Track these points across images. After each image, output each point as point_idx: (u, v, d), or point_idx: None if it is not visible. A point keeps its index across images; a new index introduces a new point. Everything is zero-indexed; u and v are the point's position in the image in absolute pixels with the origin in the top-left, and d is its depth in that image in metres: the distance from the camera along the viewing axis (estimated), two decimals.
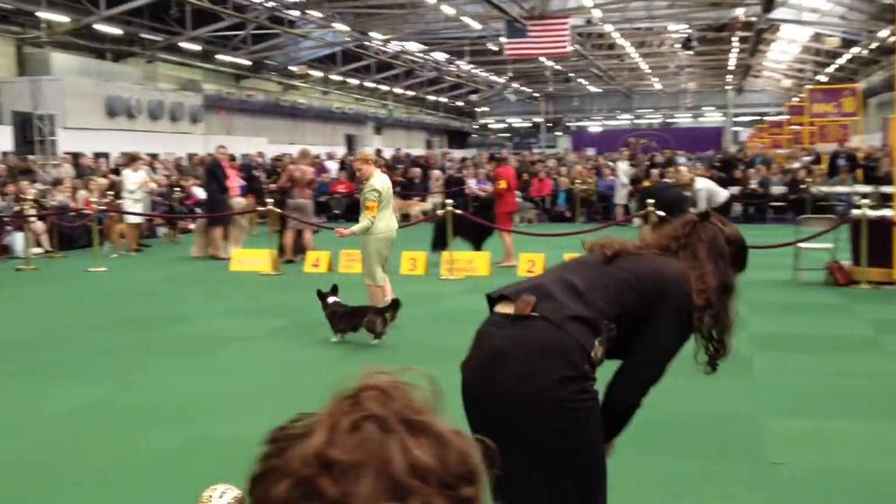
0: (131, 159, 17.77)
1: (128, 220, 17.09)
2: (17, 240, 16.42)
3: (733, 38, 40.78)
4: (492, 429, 2.19)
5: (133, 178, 17.23)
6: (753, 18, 33.62)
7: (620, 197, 22.07)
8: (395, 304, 8.74)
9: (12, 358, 8.19)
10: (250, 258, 14.48)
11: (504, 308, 2.75)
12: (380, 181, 9.44)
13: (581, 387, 2.58)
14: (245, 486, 0.89)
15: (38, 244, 16.86)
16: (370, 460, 0.82)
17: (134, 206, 17.11)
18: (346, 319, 8.70)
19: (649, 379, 2.79)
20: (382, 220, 9.29)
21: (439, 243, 14.50)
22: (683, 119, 64.73)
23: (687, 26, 37.09)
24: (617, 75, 54.68)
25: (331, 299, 8.83)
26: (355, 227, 9.40)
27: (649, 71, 52.66)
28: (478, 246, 14.37)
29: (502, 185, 14.38)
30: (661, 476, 4.94)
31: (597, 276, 2.79)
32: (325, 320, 8.74)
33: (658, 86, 59.77)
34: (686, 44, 34.35)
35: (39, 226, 17.02)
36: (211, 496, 1.40)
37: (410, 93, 53.38)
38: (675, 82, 59.38)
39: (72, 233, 17.83)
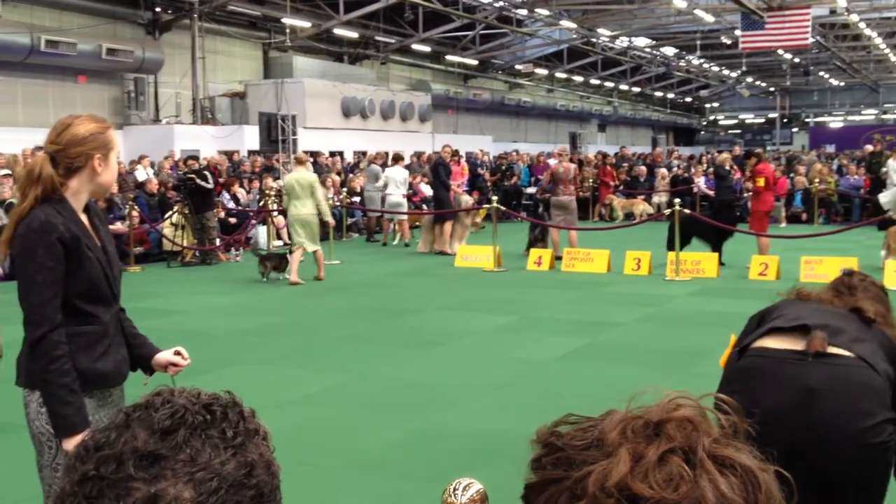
0: (395, 159, 18.45)
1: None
2: (261, 233, 17.57)
3: None
4: (786, 463, 2.14)
5: (403, 176, 18.02)
6: None
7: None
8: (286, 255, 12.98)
9: (257, 344, 8.78)
10: (474, 254, 14.73)
11: (782, 343, 2.65)
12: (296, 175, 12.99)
13: (893, 430, 2.58)
14: (524, 494, 0.87)
15: (279, 237, 17.95)
16: (681, 500, 0.77)
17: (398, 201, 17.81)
18: (262, 262, 12.94)
19: None
20: (295, 206, 12.50)
21: (673, 243, 14.14)
22: None
23: None
24: (862, 68, 51.14)
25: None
26: None
27: None
28: (716, 247, 13.77)
29: (760, 182, 13.70)
30: None
31: (858, 334, 2.70)
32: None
33: None
34: None
35: (280, 220, 18.12)
36: (455, 489, 1.41)
37: (636, 89, 52.35)
38: None
39: None
